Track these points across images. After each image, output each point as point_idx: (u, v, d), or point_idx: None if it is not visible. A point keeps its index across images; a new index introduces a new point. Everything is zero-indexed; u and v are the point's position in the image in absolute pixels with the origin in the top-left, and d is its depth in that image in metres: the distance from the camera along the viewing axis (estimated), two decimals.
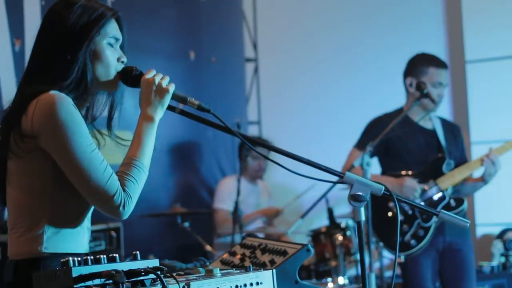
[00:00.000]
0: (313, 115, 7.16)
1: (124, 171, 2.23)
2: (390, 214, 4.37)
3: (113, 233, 4.64)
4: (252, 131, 7.24)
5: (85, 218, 2.31)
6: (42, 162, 2.20)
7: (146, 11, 5.85)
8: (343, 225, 5.53)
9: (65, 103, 2.16)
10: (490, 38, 6.45)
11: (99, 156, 2.19)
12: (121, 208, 2.18)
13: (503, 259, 5.92)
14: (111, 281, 1.77)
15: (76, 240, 2.28)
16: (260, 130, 7.38)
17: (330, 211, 5.68)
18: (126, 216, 2.21)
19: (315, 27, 7.25)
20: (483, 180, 4.37)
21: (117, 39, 2.37)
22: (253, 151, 5.92)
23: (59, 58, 2.25)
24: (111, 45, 2.34)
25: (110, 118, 2.45)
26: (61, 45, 2.26)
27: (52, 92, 2.18)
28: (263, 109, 7.43)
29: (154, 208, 5.59)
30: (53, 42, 2.27)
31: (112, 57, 2.34)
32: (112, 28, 2.35)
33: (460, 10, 6.63)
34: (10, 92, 4.37)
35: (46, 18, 2.34)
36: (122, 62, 2.38)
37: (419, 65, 4.44)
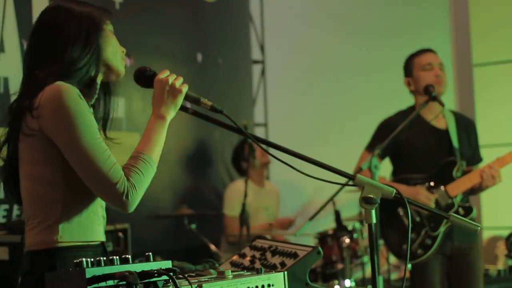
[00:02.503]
0: (320, 117, 7.15)
1: (130, 163, 2.24)
2: (399, 220, 4.33)
3: (121, 234, 4.64)
4: (259, 133, 7.23)
5: (98, 206, 2.32)
6: (50, 151, 2.21)
7: (153, 13, 5.85)
8: (350, 227, 5.52)
9: (71, 92, 2.19)
10: (497, 41, 6.45)
11: (102, 145, 2.20)
12: (124, 197, 2.17)
13: (511, 262, 5.90)
14: (124, 282, 1.78)
15: (91, 228, 2.29)
16: (267, 132, 7.38)
17: (337, 214, 5.67)
18: (131, 207, 2.21)
19: (321, 29, 7.25)
20: (480, 189, 4.36)
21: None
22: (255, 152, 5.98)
23: (67, 52, 2.28)
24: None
25: (105, 118, 2.47)
26: (68, 42, 2.29)
27: (58, 82, 2.21)
28: (270, 111, 7.42)
29: (161, 210, 5.60)
30: (61, 37, 2.29)
31: (116, 44, 2.40)
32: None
33: (468, 13, 6.62)
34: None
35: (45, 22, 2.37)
36: (123, 51, 2.43)
37: (407, 63, 4.53)
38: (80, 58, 2.28)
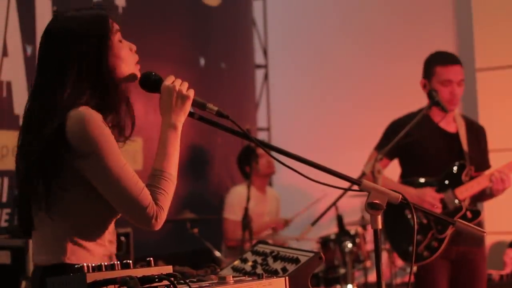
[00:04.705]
0: (322, 121, 7.15)
1: (154, 184, 2.23)
2: (406, 222, 4.30)
3: (123, 239, 4.63)
4: (262, 137, 7.24)
5: (107, 233, 2.31)
6: (72, 179, 2.18)
7: (156, 17, 5.86)
8: (352, 232, 5.51)
9: (95, 119, 2.15)
10: (500, 46, 6.44)
11: (130, 169, 2.19)
12: (153, 220, 2.20)
13: None
14: (125, 287, 1.77)
15: (98, 253, 2.27)
16: (270, 136, 7.38)
17: (339, 218, 5.67)
18: (158, 227, 2.23)
19: (325, 33, 7.26)
20: (490, 195, 4.33)
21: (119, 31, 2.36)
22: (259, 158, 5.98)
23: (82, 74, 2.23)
24: (120, 41, 2.34)
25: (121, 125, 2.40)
26: (81, 61, 2.24)
27: (81, 108, 2.17)
28: (273, 115, 7.43)
29: None
30: (75, 61, 2.24)
31: (127, 53, 2.34)
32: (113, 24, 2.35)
33: (471, 18, 6.62)
34: (21, 96, 4.39)
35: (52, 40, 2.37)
36: (135, 52, 2.38)
37: (428, 66, 4.40)
38: (97, 81, 2.25)
